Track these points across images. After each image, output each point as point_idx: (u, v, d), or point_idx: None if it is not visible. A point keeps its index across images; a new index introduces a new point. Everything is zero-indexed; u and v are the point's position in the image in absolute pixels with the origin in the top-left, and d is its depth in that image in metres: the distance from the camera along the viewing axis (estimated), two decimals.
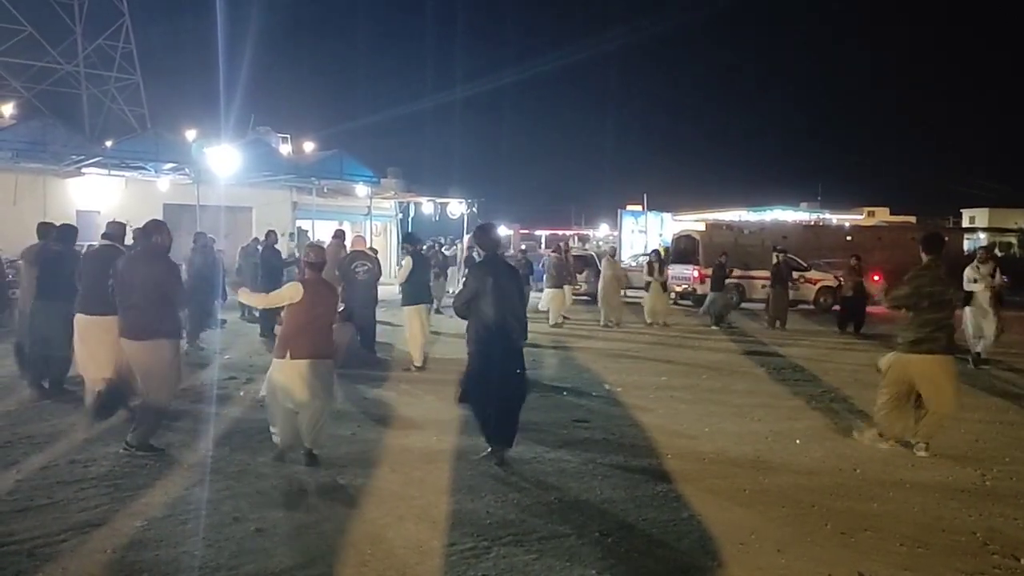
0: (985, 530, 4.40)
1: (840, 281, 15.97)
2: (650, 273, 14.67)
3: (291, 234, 23.21)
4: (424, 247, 14.28)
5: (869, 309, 14.35)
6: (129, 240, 7.65)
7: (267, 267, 11.90)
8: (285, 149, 28.79)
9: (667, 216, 33.99)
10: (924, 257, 5.97)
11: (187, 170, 20.34)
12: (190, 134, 25.89)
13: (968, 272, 10.23)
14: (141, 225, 5.84)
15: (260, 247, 13.27)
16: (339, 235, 11.81)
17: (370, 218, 25.83)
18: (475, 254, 7.26)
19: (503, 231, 39.54)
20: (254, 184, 23.21)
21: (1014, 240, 38.22)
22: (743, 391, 8.38)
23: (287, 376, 5.25)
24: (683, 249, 20.66)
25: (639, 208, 36.71)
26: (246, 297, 6.26)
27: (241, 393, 7.62)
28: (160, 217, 9.67)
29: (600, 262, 16.31)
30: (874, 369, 6.38)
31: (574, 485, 5.00)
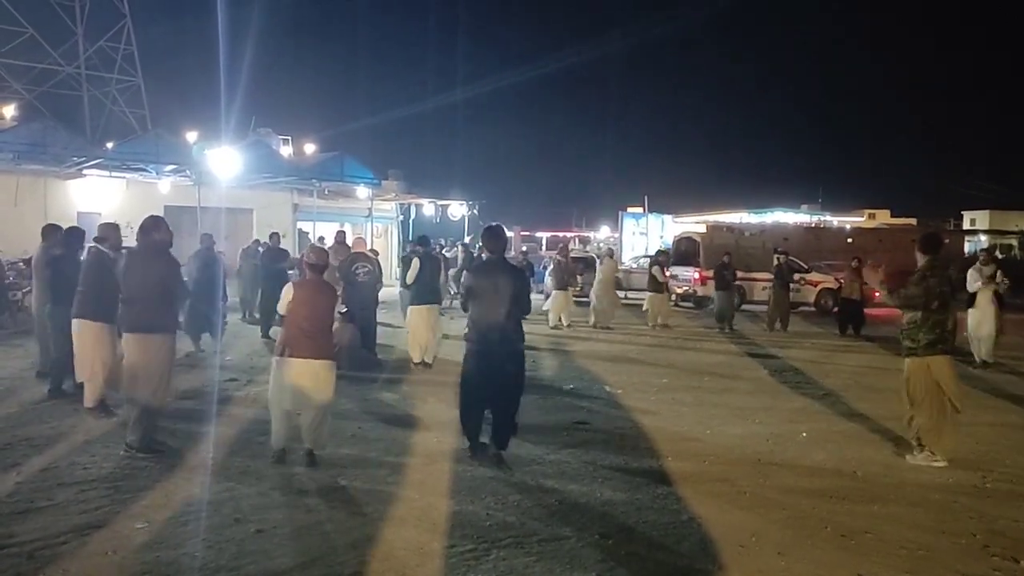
0: (986, 533, 4.39)
1: (841, 283, 15.97)
2: (662, 274, 14.63)
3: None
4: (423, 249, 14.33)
5: (869, 311, 14.35)
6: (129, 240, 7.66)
7: (270, 269, 11.90)
8: (286, 151, 28.81)
9: (668, 218, 34.00)
10: (921, 258, 5.90)
11: (188, 172, 20.35)
12: (191, 136, 25.91)
13: (971, 273, 10.24)
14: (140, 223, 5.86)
15: (261, 249, 13.29)
16: (341, 237, 11.82)
17: (371, 220, 25.83)
18: (482, 255, 7.39)
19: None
20: (255, 186, 23.22)
21: (1014, 242, 38.16)
22: (744, 393, 8.38)
23: (285, 375, 5.29)
24: (684, 251, 20.66)
25: (640, 210, 36.72)
26: None
27: (242, 394, 7.61)
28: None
29: (600, 263, 16.32)
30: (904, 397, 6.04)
31: (574, 487, 5.00)
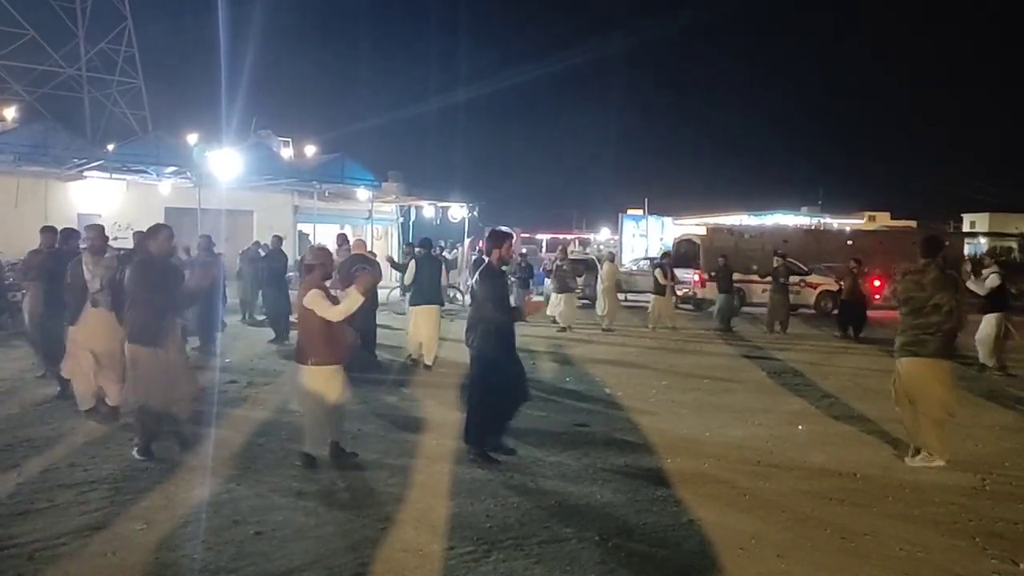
0: (985, 535, 4.40)
1: (840, 285, 15.99)
2: (664, 277, 14.63)
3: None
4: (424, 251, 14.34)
5: (869, 313, 14.35)
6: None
7: (273, 271, 11.90)
8: (286, 153, 28.82)
9: (668, 220, 34.03)
10: (921, 260, 5.93)
11: (188, 173, 20.36)
12: (192, 137, 25.93)
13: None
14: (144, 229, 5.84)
15: (262, 251, 13.29)
16: (342, 240, 11.83)
17: (371, 222, 25.84)
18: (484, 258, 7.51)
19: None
20: (255, 188, 23.23)
21: (1014, 245, 38.18)
22: (744, 395, 8.38)
23: (323, 381, 5.30)
24: (684, 253, 20.67)
25: (640, 212, 36.74)
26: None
27: (243, 397, 7.62)
28: (161, 220, 9.68)
29: (600, 266, 16.33)
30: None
31: (574, 489, 5.01)
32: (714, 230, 24.71)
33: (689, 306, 19.06)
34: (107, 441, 5.82)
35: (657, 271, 14.69)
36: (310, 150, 30.57)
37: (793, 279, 18.13)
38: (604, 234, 49.67)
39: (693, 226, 32.91)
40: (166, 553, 3.88)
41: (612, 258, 16.42)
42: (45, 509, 4.43)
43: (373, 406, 7.36)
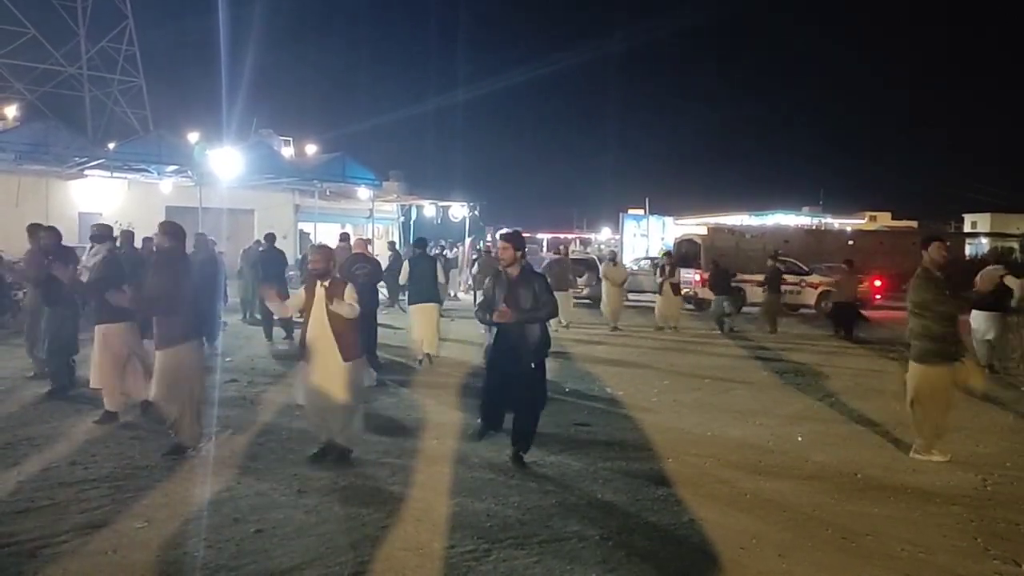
0: (987, 535, 4.39)
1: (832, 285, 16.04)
2: (662, 275, 14.64)
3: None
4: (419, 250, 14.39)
5: (867, 313, 14.36)
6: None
7: (268, 269, 11.90)
8: (287, 152, 28.85)
9: (669, 220, 34.01)
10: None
11: (189, 172, 20.38)
12: (192, 136, 25.94)
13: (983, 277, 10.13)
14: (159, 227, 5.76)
15: (261, 250, 13.28)
16: (344, 238, 11.84)
17: (372, 221, 25.85)
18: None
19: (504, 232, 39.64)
20: (256, 186, 23.26)
21: (1015, 245, 38.14)
22: (745, 396, 8.38)
23: (314, 377, 5.33)
24: (685, 253, 20.66)
25: (641, 212, 36.74)
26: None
27: (243, 396, 7.61)
28: (163, 219, 9.66)
29: (601, 266, 16.31)
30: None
31: (575, 488, 5.00)
32: (715, 230, 24.72)
33: (690, 306, 19.04)
34: (107, 439, 5.82)
35: (659, 269, 14.73)
36: (311, 149, 30.60)
37: (793, 279, 18.17)
38: (605, 234, 49.70)
39: (694, 226, 32.92)
40: (167, 551, 3.87)
41: (614, 257, 16.42)
42: (46, 507, 4.42)
43: (373, 405, 7.36)
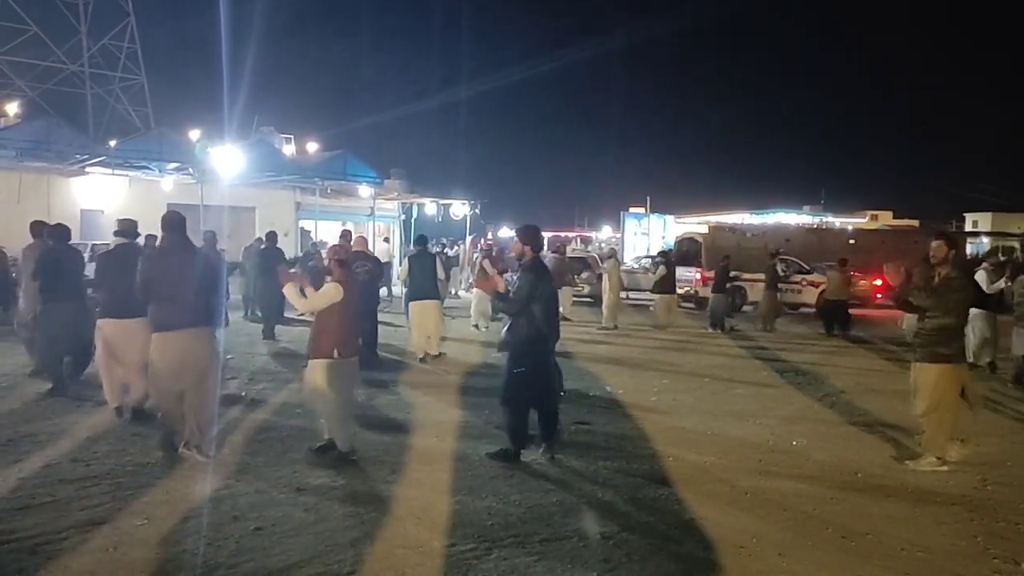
0: (986, 535, 4.39)
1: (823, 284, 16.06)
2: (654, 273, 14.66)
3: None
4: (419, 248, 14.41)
5: (865, 312, 14.37)
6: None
7: (268, 267, 11.90)
8: (289, 149, 28.83)
9: (670, 218, 33.99)
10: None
11: (191, 170, 20.35)
12: (194, 134, 25.93)
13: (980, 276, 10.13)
14: (163, 217, 5.64)
15: (262, 247, 13.29)
16: (346, 235, 11.85)
17: (373, 219, 25.83)
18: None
19: (505, 232, 39.63)
20: (257, 184, 23.22)
21: (1016, 244, 38.08)
22: (745, 395, 8.37)
23: (347, 373, 5.35)
24: (686, 252, 20.65)
25: (642, 210, 36.73)
26: (292, 297, 5.72)
27: (242, 393, 7.62)
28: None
29: (602, 264, 16.32)
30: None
31: (575, 487, 5.00)
32: (716, 228, 24.68)
33: (691, 304, 19.03)
34: (108, 437, 5.82)
35: (656, 268, 14.76)
36: (312, 147, 30.60)
37: (795, 278, 18.15)
38: (606, 232, 49.66)
39: (695, 224, 32.90)
40: (166, 548, 3.88)
41: (614, 255, 16.40)
42: (47, 504, 4.43)
43: (373, 403, 7.36)
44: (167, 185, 21.76)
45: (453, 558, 3.87)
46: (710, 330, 14.43)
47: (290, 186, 24.76)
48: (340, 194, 25.58)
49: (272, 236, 12.42)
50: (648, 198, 41.26)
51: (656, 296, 14.93)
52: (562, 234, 46.51)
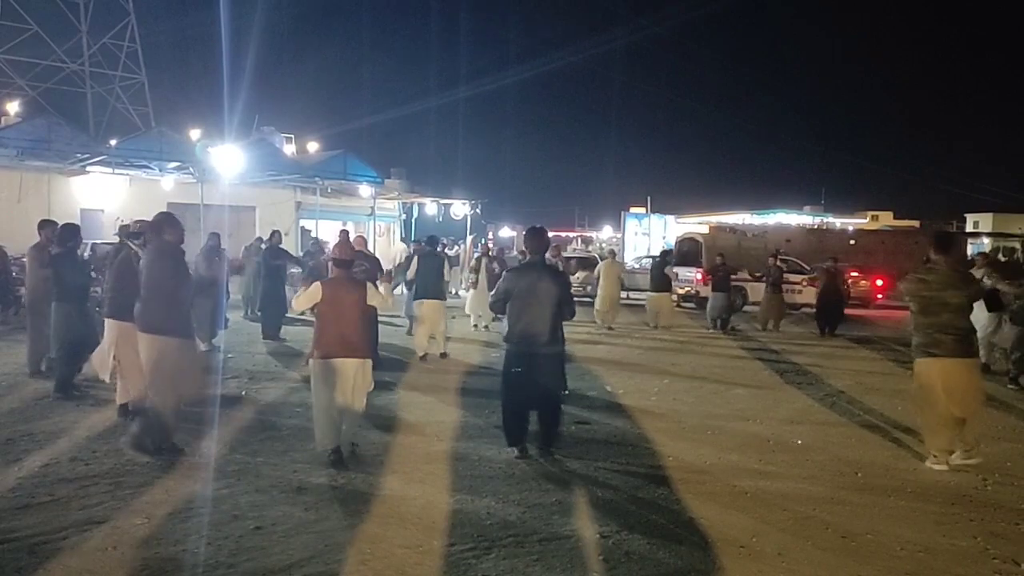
0: (987, 535, 4.38)
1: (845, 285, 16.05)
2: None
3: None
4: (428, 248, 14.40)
5: (865, 312, 14.37)
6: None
7: (268, 267, 11.91)
8: (289, 149, 28.87)
9: (670, 218, 33.98)
10: (932, 258, 5.87)
11: (191, 169, 20.37)
12: (194, 133, 25.97)
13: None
14: (151, 219, 5.72)
15: (264, 246, 13.27)
16: (343, 235, 11.85)
17: (373, 218, 25.84)
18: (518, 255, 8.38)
19: (506, 232, 39.64)
20: (258, 184, 23.25)
21: (1018, 245, 38.07)
22: (745, 395, 8.37)
23: (323, 375, 5.32)
24: (686, 252, 20.65)
25: (643, 210, 36.71)
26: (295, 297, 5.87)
27: (242, 393, 7.62)
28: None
29: (602, 263, 16.31)
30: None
31: (575, 487, 5.00)
32: (717, 229, 24.72)
33: (691, 304, 19.03)
34: (108, 436, 5.82)
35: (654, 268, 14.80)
36: (313, 146, 30.63)
37: (795, 278, 18.14)
38: (607, 232, 49.67)
39: (696, 225, 32.90)
40: (166, 547, 3.88)
41: (613, 255, 16.39)
42: (46, 503, 4.43)
43: (373, 402, 7.35)
44: (167, 184, 21.78)
45: (452, 558, 3.87)
46: (710, 330, 14.43)
47: (290, 186, 24.79)
48: (340, 194, 25.61)
49: (277, 235, 12.41)
50: (649, 198, 41.25)
51: (651, 295, 14.92)
52: (563, 234, 46.51)
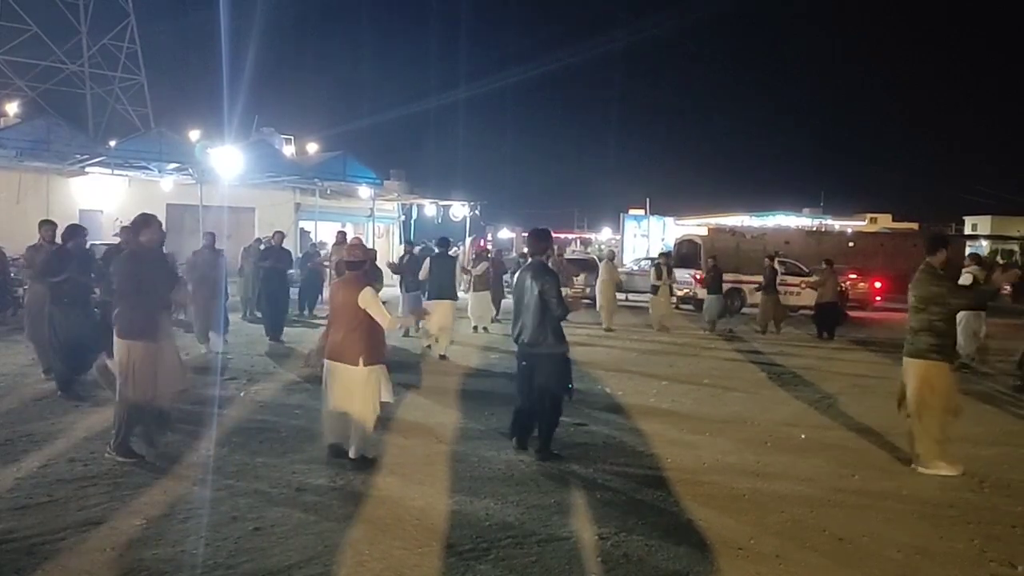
0: (983, 538, 4.39)
1: (842, 286, 16.03)
2: (658, 277, 14.66)
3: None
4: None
5: (864, 315, 14.38)
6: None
7: (270, 268, 11.89)
8: (288, 150, 28.86)
9: (669, 220, 34.02)
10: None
11: (190, 170, 20.38)
12: (194, 134, 25.97)
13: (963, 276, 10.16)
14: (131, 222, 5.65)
15: (263, 247, 13.26)
16: (341, 237, 11.88)
17: (372, 220, 25.84)
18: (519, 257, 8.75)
19: (505, 234, 39.64)
20: (257, 185, 23.25)
21: (1016, 248, 38.11)
22: (743, 397, 8.38)
23: (325, 374, 5.37)
24: (685, 254, 20.67)
25: (642, 212, 36.72)
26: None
27: (241, 394, 7.62)
28: (163, 217, 9.65)
29: (601, 264, 16.34)
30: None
31: (573, 488, 5.01)
32: (716, 231, 24.70)
33: (690, 306, 19.04)
34: (107, 437, 5.81)
35: (652, 270, 14.79)
36: (312, 147, 30.64)
37: (793, 280, 18.16)
38: (606, 233, 49.68)
39: (695, 226, 32.88)
40: (164, 548, 3.88)
41: (612, 257, 16.41)
42: (44, 504, 4.43)
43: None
44: (167, 185, 21.79)
45: (451, 558, 3.87)
46: (707, 331, 14.45)
47: (290, 187, 24.79)
48: (340, 195, 25.61)
49: (279, 236, 12.41)
50: (648, 200, 41.28)
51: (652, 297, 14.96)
52: (562, 235, 46.52)
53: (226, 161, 19.44)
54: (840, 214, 46.29)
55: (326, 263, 15.11)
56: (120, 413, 5.24)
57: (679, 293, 18.92)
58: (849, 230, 36.57)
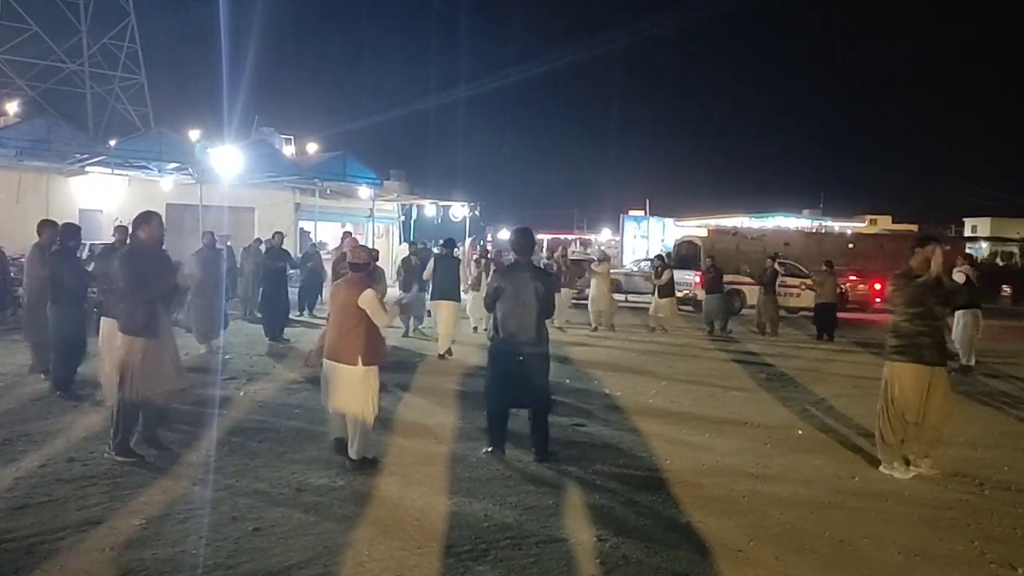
0: (983, 539, 4.39)
1: (842, 288, 16.03)
2: (657, 277, 14.66)
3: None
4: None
5: (864, 316, 14.39)
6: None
7: (269, 268, 11.89)
8: (288, 150, 28.86)
9: (669, 221, 33.99)
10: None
11: (190, 170, 20.36)
12: (194, 134, 25.97)
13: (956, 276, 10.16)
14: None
15: (263, 247, 13.26)
16: (344, 237, 11.86)
17: (372, 220, 25.84)
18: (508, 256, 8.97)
19: (505, 234, 39.65)
20: (257, 185, 23.24)
21: (1016, 249, 38.09)
22: (742, 398, 8.38)
23: (327, 376, 5.36)
24: (685, 255, 20.65)
25: (642, 213, 36.70)
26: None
27: (241, 394, 7.62)
28: (162, 216, 9.63)
29: (594, 267, 16.35)
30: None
31: (572, 489, 5.01)
32: (715, 232, 24.69)
33: (689, 308, 19.03)
34: (106, 437, 5.80)
35: (658, 271, 14.78)
36: (312, 147, 30.64)
37: (793, 282, 18.15)
38: (605, 234, 49.68)
39: (694, 228, 32.86)
40: (164, 548, 3.88)
41: (607, 258, 16.39)
42: (43, 503, 4.43)
43: None
44: (166, 185, 21.77)
45: (450, 560, 3.87)
46: (706, 332, 14.44)
47: (289, 187, 24.79)
48: (340, 195, 25.60)
49: (279, 236, 12.40)
50: (648, 201, 41.24)
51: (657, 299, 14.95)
52: (562, 236, 46.52)
53: (226, 161, 19.44)
54: (840, 215, 46.27)
55: (327, 256, 15.16)
56: (119, 412, 5.24)
57: (678, 294, 18.92)
58: (849, 231, 36.56)
